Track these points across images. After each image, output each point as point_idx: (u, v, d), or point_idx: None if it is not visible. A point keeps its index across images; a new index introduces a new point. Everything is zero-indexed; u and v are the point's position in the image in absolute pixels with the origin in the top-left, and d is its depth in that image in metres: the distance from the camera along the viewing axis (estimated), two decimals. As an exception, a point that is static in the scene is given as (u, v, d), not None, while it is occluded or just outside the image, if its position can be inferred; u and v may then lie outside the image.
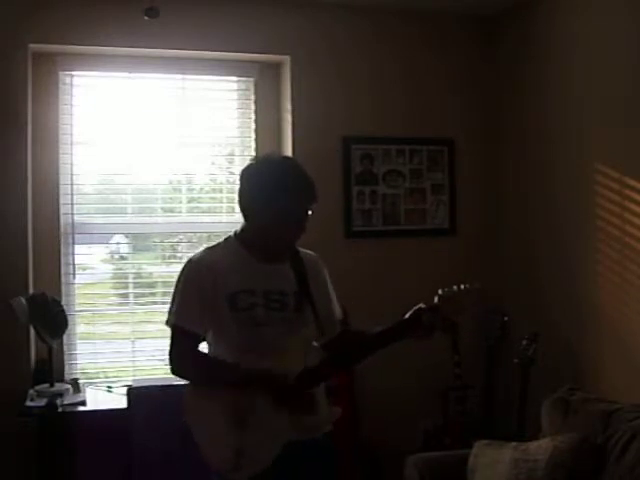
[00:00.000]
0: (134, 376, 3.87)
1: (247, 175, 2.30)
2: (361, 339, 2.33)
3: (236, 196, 2.31)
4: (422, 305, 2.23)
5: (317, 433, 2.25)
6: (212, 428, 2.16)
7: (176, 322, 2.23)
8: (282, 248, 2.29)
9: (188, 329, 2.21)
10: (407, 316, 2.24)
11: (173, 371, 2.24)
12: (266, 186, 2.22)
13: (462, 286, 2.26)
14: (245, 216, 2.29)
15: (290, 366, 2.18)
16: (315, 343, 2.32)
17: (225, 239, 2.36)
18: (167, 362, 2.24)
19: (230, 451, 2.12)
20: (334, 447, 2.46)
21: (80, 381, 3.69)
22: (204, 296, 2.21)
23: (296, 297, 2.28)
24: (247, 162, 2.37)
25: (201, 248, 2.46)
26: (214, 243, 2.41)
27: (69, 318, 3.71)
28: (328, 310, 2.38)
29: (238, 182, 2.32)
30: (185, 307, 2.23)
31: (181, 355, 2.23)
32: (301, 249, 2.37)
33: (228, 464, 2.13)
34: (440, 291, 2.24)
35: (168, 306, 2.29)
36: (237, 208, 4.14)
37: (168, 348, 2.24)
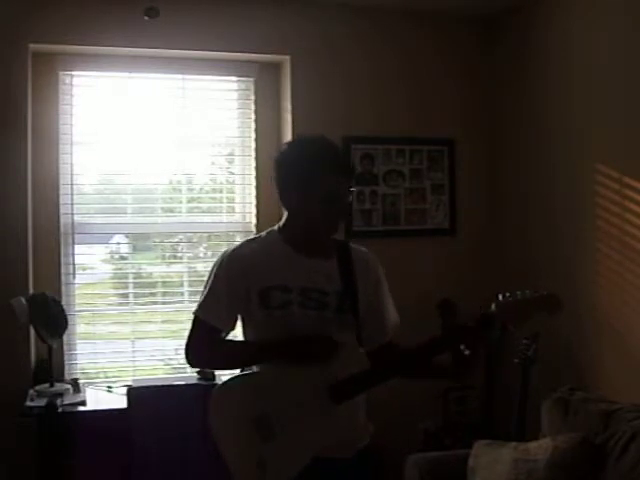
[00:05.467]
0: (134, 376, 3.86)
1: (282, 159, 2.16)
2: (403, 350, 2.14)
3: (273, 183, 2.17)
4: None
5: (349, 451, 2.10)
6: (237, 438, 2.05)
7: (198, 313, 2.14)
8: (325, 235, 2.16)
9: (208, 322, 2.12)
10: (457, 325, 2.06)
11: (189, 362, 2.17)
12: (302, 167, 2.09)
13: (526, 292, 2.03)
14: (284, 203, 2.16)
15: (326, 371, 2.03)
16: (361, 350, 2.12)
17: (267, 231, 2.24)
18: (184, 353, 2.14)
19: (254, 463, 2.02)
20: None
21: (80, 381, 3.69)
22: (233, 290, 2.11)
23: (339, 297, 2.11)
24: (281, 146, 2.24)
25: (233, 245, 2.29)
26: (256, 235, 2.31)
27: (69, 318, 3.71)
28: (377, 314, 2.20)
29: (274, 169, 2.17)
30: (210, 300, 2.13)
31: (198, 347, 2.14)
32: (353, 245, 2.23)
33: (251, 477, 2.04)
34: (500, 296, 2.02)
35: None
36: (237, 208, 4.23)
37: (186, 339, 2.15)
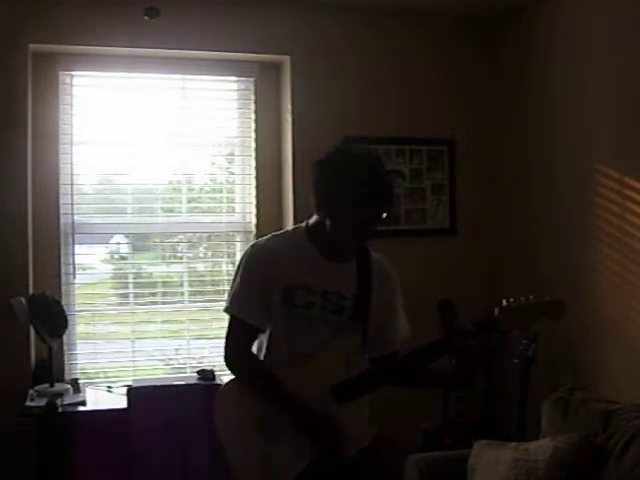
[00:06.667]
0: (134, 376, 3.86)
1: (330, 164, 2.12)
2: (406, 355, 2.15)
3: (312, 185, 2.14)
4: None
5: (351, 451, 2.11)
6: (241, 438, 2.08)
7: (234, 312, 2.13)
8: (349, 246, 2.16)
9: (246, 321, 2.11)
10: (460, 328, 2.06)
11: (226, 360, 2.14)
12: (351, 180, 2.06)
13: (530, 297, 2.01)
14: (319, 206, 2.13)
15: (332, 372, 2.06)
16: (365, 355, 2.16)
17: (294, 228, 2.26)
18: (223, 355, 2.13)
19: (257, 464, 2.04)
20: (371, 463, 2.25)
21: (80, 381, 3.69)
22: (264, 284, 2.10)
23: (354, 300, 2.13)
24: (326, 150, 2.16)
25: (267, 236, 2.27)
26: (282, 230, 2.31)
27: (69, 318, 3.71)
28: (388, 322, 2.21)
29: (317, 171, 2.13)
30: (244, 296, 2.12)
31: (235, 347, 2.13)
32: (373, 252, 2.22)
33: (253, 476, 2.06)
34: (504, 301, 2.01)
35: (228, 289, 2.20)
36: (237, 208, 4.22)
37: (225, 338, 2.15)
